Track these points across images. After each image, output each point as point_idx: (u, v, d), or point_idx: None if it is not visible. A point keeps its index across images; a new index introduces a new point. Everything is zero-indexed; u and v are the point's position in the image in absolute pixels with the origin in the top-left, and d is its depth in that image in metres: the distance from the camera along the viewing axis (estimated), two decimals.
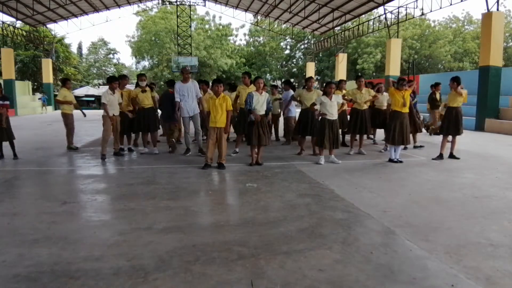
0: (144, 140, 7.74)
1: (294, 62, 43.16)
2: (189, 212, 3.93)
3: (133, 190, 4.84)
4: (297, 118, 9.18)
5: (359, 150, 7.61)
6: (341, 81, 8.85)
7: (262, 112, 6.19)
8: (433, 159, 6.88)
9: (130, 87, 9.42)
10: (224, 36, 38.08)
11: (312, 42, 30.72)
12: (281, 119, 9.98)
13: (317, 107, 6.43)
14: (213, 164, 6.10)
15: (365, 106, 7.64)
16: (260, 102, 6.13)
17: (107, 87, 7.31)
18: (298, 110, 8.66)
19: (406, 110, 6.55)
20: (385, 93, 8.10)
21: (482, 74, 12.85)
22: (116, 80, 7.17)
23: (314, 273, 2.51)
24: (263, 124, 6.19)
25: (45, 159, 7.01)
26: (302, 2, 20.96)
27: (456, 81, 6.74)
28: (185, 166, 6.29)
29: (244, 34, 42.51)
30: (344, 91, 8.04)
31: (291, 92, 9.02)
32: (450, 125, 6.77)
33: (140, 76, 7.62)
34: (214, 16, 37.77)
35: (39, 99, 26.92)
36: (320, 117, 6.43)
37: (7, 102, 6.80)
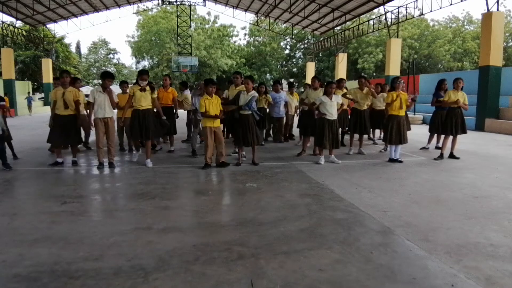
0: (135, 145, 6.72)
1: (294, 62, 43.14)
2: (189, 212, 3.93)
3: (133, 190, 4.83)
4: (284, 119, 9.26)
5: (359, 150, 7.60)
6: (341, 79, 8.85)
7: (248, 112, 6.19)
8: (434, 159, 6.88)
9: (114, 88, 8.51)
10: (224, 37, 38.08)
11: (312, 42, 30.73)
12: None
13: (316, 106, 6.43)
14: (212, 164, 6.11)
15: (366, 106, 7.65)
16: (243, 100, 6.15)
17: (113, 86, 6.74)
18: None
19: (402, 113, 6.53)
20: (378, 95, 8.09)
21: (482, 74, 12.84)
22: (111, 77, 6.23)
23: (314, 273, 2.51)
24: (249, 124, 6.16)
25: (45, 159, 7.01)
26: (302, 2, 20.95)
27: (462, 81, 6.79)
28: (185, 166, 6.29)
29: (245, 34, 42.35)
30: (344, 90, 8.03)
31: (282, 92, 9.07)
32: (457, 124, 6.79)
33: (142, 74, 6.27)
34: (216, 17, 37.79)
35: (25, 99, 23.38)
36: (319, 117, 6.43)
37: (3, 103, 6.75)
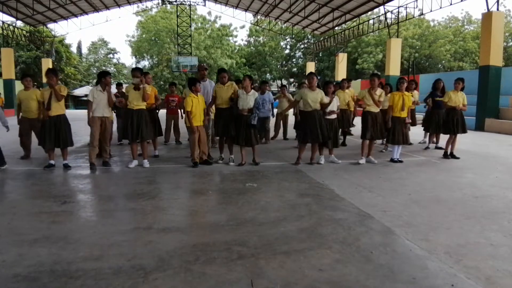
0: (133, 150, 6.28)
1: (294, 62, 43.13)
2: (189, 212, 3.94)
3: (133, 190, 4.83)
4: (272, 119, 9.13)
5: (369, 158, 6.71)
6: (343, 80, 8.88)
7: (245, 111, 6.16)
8: (440, 158, 6.93)
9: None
10: (224, 36, 38.07)
11: (312, 41, 30.71)
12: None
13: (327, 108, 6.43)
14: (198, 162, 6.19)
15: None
16: (246, 101, 6.12)
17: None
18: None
19: (404, 114, 6.50)
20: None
21: (482, 74, 12.85)
22: (109, 75, 6.19)
23: (314, 273, 2.51)
24: (246, 124, 6.13)
25: (44, 159, 7.00)
26: (302, 1, 20.94)
27: (462, 82, 6.79)
28: (185, 166, 6.29)
29: (247, 36, 42.27)
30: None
31: (269, 93, 8.99)
32: (458, 123, 6.83)
33: (133, 71, 6.26)
34: (217, 17, 37.76)
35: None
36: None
37: None
